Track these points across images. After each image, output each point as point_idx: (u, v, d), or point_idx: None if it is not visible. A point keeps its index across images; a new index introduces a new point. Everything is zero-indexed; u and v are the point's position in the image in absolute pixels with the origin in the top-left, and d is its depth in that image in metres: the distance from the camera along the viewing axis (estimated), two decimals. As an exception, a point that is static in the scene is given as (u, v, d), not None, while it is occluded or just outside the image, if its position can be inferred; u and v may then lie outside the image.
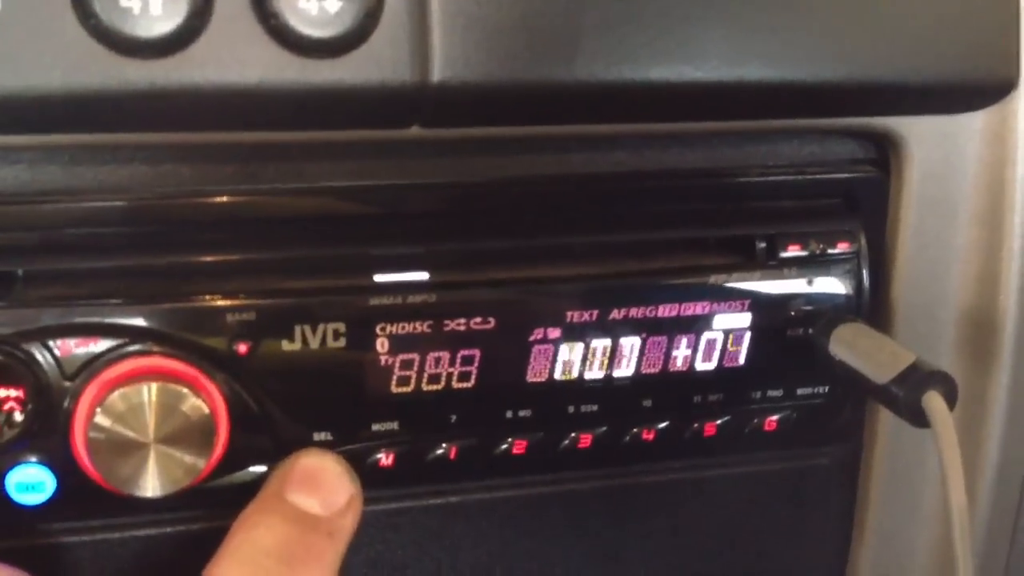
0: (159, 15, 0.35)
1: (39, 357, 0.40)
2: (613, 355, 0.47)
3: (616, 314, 0.47)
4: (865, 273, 0.50)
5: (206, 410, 0.41)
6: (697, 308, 0.48)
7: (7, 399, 0.40)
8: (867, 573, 0.57)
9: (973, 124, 0.50)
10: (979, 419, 0.53)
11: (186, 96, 0.37)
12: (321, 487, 0.42)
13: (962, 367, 0.53)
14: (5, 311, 0.40)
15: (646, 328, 0.47)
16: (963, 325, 0.53)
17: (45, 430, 0.40)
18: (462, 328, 0.45)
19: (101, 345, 0.41)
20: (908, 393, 0.45)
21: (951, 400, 0.44)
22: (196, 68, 0.37)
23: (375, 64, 0.38)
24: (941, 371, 0.45)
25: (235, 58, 0.37)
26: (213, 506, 0.42)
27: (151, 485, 0.40)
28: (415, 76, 0.39)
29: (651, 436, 0.49)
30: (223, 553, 0.39)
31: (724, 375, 0.49)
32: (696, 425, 0.50)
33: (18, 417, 0.40)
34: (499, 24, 0.40)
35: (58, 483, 0.41)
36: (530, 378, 0.46)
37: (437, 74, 0.39)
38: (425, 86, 0.39)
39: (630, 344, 0.47)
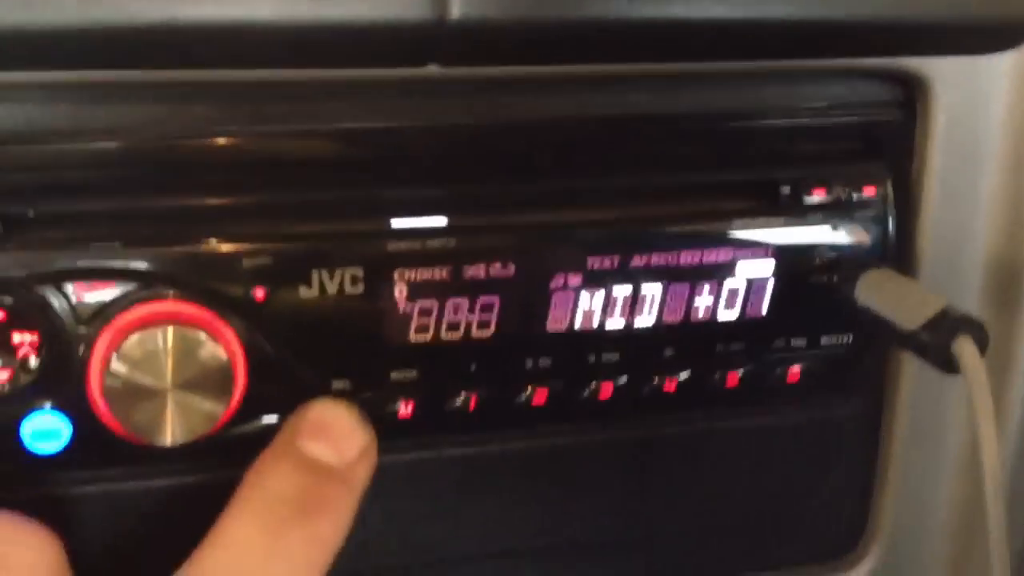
0: None
1: (53, 301, 0.39)
2: (634, 303, 0.46)
3: (637, 261, 0.46)
4: (891, 218, 0.49)
5: (224, 356, 0.40)
6: (720, 255, 0.47)
7: (21, 344, 0.39)
8: (889, 525, 0.56)
9: (1000, 66, 0.49)
10: (1005, 367, 0.53)
11: (199, 31, 0.36)
12: (334, 436, 0.41)
13: (988, 314, 0.52)
14: (17, 253, 0.39)
15: (667, 275, 0.46)
16: (990, 271, 0.52)
17: (60, 376, 0.40)
18: (481, 275, 0.44)
19: (116, 289, 0.40)
20: (938, 339, 0.44)
21: (982, 346, 0.44)
22: (210, 2, 0.36)
23: None
24: (971, 316, 0.44)
25: None
26: (230, 455, 0.41)
27: (169, 433, 0.39)
28: (433, 11, 0.38)
29: (673, 386, 0.48)
30: (235, 501, 0.39)
31: (747, 324, 0.48)
32: (718, 375, 0.49)
33: (33, 362, 0.39)
34: None
35: (74, 431, 0.41)
36: (550, 326, 0.46)
37: (456, 10, 0.38)
38: (443, 22, 0.38)
39: (651, 292, 0.46)
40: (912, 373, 0.53)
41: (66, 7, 0.35)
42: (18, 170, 0.40)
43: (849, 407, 0.54)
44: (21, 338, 0.39)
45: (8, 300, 0.39)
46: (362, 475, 0.41)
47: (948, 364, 0.44)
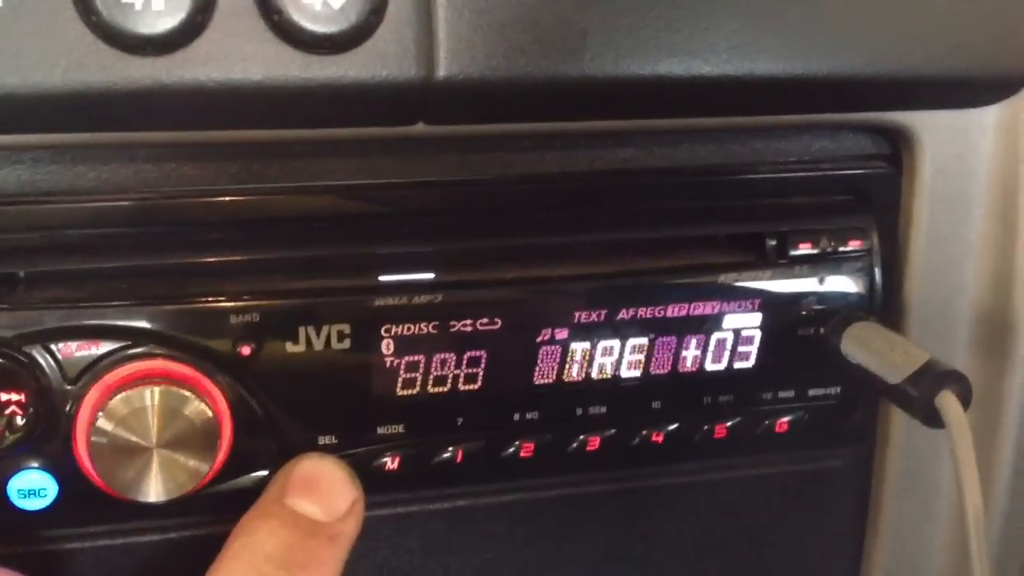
0: (162, 11, 0.35)
1: (41, 360, 0.39)
2: (621, 356, 0.47)
3: (624, 314, 0.46)
4: (877, 271, 0.49)
5: (209, 413, 0.40)
6: (706, 308, 0.47)
7: (8, 403, 0.39)
8: (881, 574, 0.56)
9: (986, 119, 0.50)
10: (994, 418, 0.53)
11: (189, 93, 0.36)
12: (322, 492, 0.41)
13: (976, 365, 0.52)
14: (6, 313, 0.39)
15: (654, 328, 0.47)
16: (977, 323, 0.52)
17: (47, 434, 0.40)
18: (468, 329, 0.44)
19: (103, 348, 0.40)
20: (922, 393, 0.44)
21: (965, 400, 0.44)
22: (199, 65, 0.36)
23: (380, 60, 0.38)
24: (955, 370, 0.44)
25: (238, 55, 0.36)
26: (217, 511, 0.41)
27: (154, 490, 0.40)
28: (420, 72, 0.38)
29: (660, 438, 0.48)
30: (223, 558, 0.39)
31: (734, 376, 0.48)
32: (706, 427, 0.49)
33: (20, 421, 0.39)
34: (504, 19, 0.39)
35: (60, 488, 0.41)
36: (537, 379, 0.46)
37: (442, 70, 0.39)
38: (430, 82, 0.39)
39: (638, 345, 0.47)
40: (903, 421, 0.53)
41: (56, 71, 0.35)
42: (9, 231, 0.40)
43: (839, 456, 0.54)
44: (8, 397, 0.39)
45: None
46: (351, 530, 0.41)
47: (932, 418, 0.44)
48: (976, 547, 0.42)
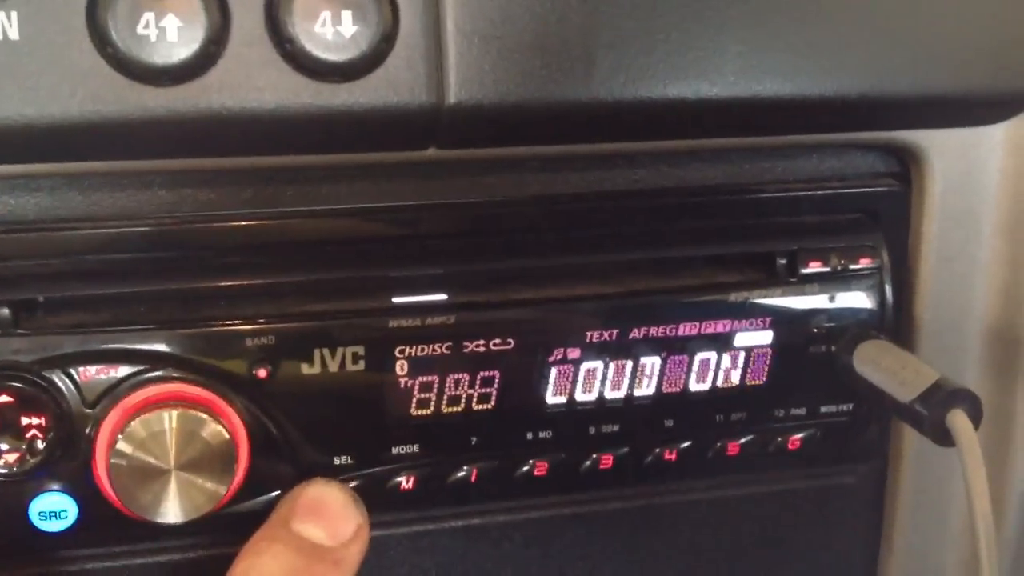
0: (176, 42, 0.35)
1: (60, 385, 0.40)
2: (633, 375, 0.47)
3: (636, 333, 0.46)
4: (888, 288, 0.49)
5: (226, 436, 0.41)
6: (718, 326, 0.47)
7: (29, 427, 0.40)
8: (895, 591, 0.56)
9: (994, 136, 0.50)
10: (1005, 436, 0.53)
11: (204, 122, 0.37)
12: (328, 516, 0.42)
13: (987, 383, 0.52)
14: (26, 338, 0.40)
15: (666, 347, 0.47)
16: (988, 340, 0.52)
17: (67, 457, 0.41)
18: (481, 349, 0.45)
19: (121, 372, 0.41)
20: (932, 412, 0.44)
21: (976, 418, 0.44)
22: (213, 94, 0.37)
23: (391, 87, 0.38)
24: (965, 389, 0.44)
25: (252, 83, 0.37)
26: (235, 531, 0.41)
27: (172, 511, 0.40)
28: (431, 98, 0.39)
29: (673, 456, 0.49)
30: None
31: (746, 393, 0.48)
32: (718, 444, 0.49)
33: (40, 445, 0.40)
34: (514, 44, 0.40)
35: (80, 510, 0.42)
36: (550, 399, 0.46)
37: (453, 96, 0.39)
38: (441, 108, 0.39)
39: (650, 363, 0.47)
40: (916, 438, 0.53)
41: (73, 102, 0.36)
42: (28, 257, 0.41)
43: (852, 473, 0.54)
44: (29, 421, 0.40)
45: (17, 384, 0.40)
46: (355, 556, 0.41)
47: (942, 437, 0.44)
48: (987, 565, 0.42)
